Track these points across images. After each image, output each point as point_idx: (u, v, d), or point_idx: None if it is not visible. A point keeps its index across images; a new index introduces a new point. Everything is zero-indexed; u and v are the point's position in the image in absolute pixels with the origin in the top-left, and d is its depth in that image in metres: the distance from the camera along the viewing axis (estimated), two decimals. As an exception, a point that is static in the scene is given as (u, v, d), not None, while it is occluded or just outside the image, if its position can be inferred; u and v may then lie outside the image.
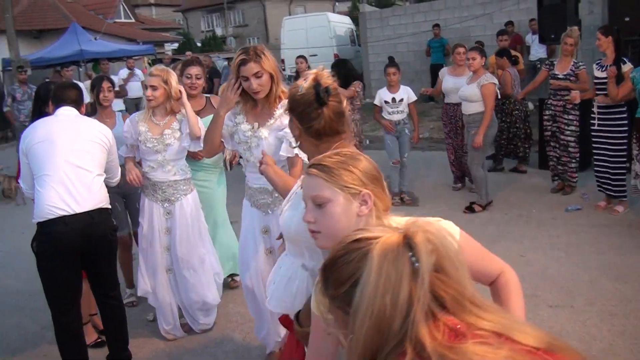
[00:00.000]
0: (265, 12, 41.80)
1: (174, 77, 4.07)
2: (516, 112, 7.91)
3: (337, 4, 45.49)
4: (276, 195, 3.16)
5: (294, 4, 42.67)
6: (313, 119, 2.17)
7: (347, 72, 7.56)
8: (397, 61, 16.26)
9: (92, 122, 3.76)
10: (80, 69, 16.60)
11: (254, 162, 3.13)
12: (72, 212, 3.32)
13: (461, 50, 7.23)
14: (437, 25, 14.18)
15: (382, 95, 7.27)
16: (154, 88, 3.99)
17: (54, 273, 3.39)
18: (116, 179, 3.94)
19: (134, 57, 18.43)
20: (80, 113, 3.77)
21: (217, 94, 10.09)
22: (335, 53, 19.42)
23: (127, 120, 4.25)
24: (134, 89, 13.37)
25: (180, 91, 4.07)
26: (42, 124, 3.62)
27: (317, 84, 2.16)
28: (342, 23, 22.12)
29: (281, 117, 3.12)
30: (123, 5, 30.12)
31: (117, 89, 11.71)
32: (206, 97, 4.78)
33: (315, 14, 23.18)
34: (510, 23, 12.17)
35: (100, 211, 3.50)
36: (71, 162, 3.41)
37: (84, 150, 3.49)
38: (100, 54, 16.51)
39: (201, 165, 4.65)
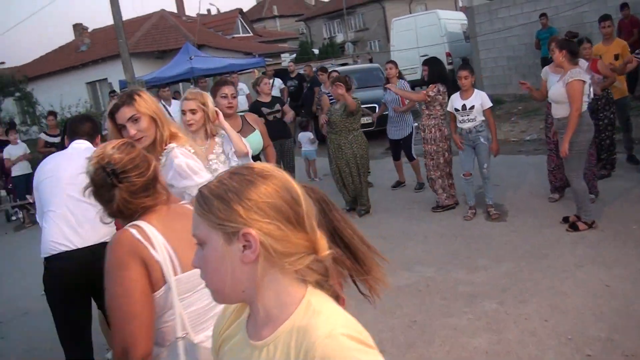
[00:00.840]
0: (385, 13, 41.36)
1: (209, 99, 3.94)
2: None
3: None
4: None
5: (414, 3, 41.85)
6: (107, 201, 1.95)
7: (437, 72, 7.14)
8: (508, 56, 15.41)
9: None
10: (192, 86, 17.13)
11: None
12: (73, 247, 3.29)
13: (553, 44, 6.43)
14: (543, 14, 12.99)
15: (454, 101, 6.65)
16: (193, 112, 3.82)
17: (58, 309, 3.41)
18: None
19: (245, 71, 18.85)
20: (94, 145, 3.71)
21: (318, 103, 9.84)
22: (447, 51, 18.63)
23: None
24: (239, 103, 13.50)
25: (217, 112, 3.93)
26: (51, 159, 3.66)
27: (101, 167, 1.93)
28: (455, 19, 21.19)
29: (169, 164, 2.80)
30: (241, 21, 31.04)
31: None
32: (241, 115, 4.68)
33: (424, 12, 22.45)
34: (625, 5, 10.84)
35: (105, 245, 3.35)
36: (74, 196, 3.32)
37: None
38: (210, 70, 16.95)
39: None
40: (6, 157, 10.42)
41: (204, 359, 1.88)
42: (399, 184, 8.66)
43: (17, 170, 10.36)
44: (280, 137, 7.75)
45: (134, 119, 2.65)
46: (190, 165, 2.80)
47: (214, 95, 4.53)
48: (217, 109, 3.99)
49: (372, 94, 12.10)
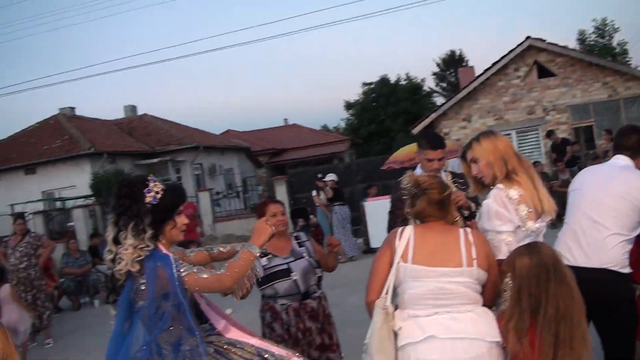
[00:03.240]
0: None
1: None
2: None
3: None
4: None
5: None
6: (411, 206, 2.88)
7: None
8: None
9: (630, 175, 3.38)
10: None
11: None
12: (573, 264, 3.13)
13: None
14: None
15: None
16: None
17: None
18: None
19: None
20: (638, 163, 3.45)
21: None
22: None
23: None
24: None
25: None
26: (585, 172, 3.70)
27: (414, 182, 2.83)
28: None
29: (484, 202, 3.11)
30: None
31: None
32: None
33: None
34: None
35: (607, 272, 3.21)
36: (589, 215, 3.31)
37: (607, 204, 3.28)
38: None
39: None
40: None
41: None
42: None
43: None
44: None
45: (474, 160, 3.13)
46: (492, 211, 2.91)
47: None
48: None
49: None
